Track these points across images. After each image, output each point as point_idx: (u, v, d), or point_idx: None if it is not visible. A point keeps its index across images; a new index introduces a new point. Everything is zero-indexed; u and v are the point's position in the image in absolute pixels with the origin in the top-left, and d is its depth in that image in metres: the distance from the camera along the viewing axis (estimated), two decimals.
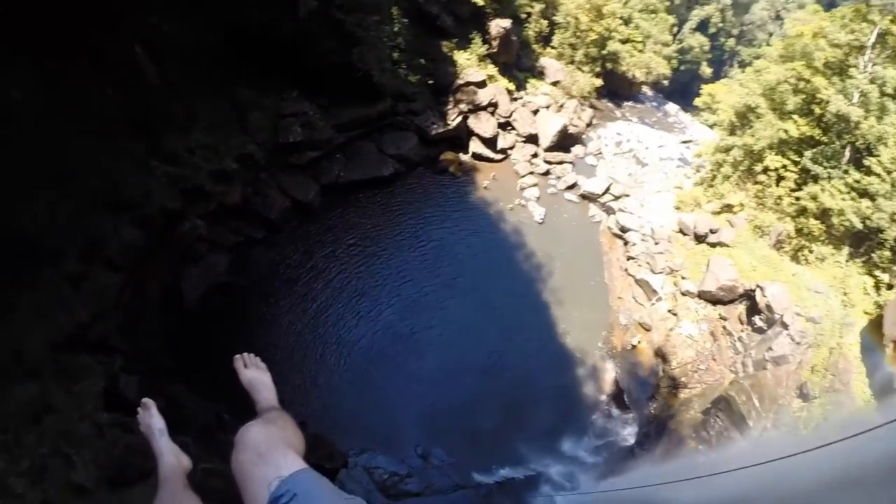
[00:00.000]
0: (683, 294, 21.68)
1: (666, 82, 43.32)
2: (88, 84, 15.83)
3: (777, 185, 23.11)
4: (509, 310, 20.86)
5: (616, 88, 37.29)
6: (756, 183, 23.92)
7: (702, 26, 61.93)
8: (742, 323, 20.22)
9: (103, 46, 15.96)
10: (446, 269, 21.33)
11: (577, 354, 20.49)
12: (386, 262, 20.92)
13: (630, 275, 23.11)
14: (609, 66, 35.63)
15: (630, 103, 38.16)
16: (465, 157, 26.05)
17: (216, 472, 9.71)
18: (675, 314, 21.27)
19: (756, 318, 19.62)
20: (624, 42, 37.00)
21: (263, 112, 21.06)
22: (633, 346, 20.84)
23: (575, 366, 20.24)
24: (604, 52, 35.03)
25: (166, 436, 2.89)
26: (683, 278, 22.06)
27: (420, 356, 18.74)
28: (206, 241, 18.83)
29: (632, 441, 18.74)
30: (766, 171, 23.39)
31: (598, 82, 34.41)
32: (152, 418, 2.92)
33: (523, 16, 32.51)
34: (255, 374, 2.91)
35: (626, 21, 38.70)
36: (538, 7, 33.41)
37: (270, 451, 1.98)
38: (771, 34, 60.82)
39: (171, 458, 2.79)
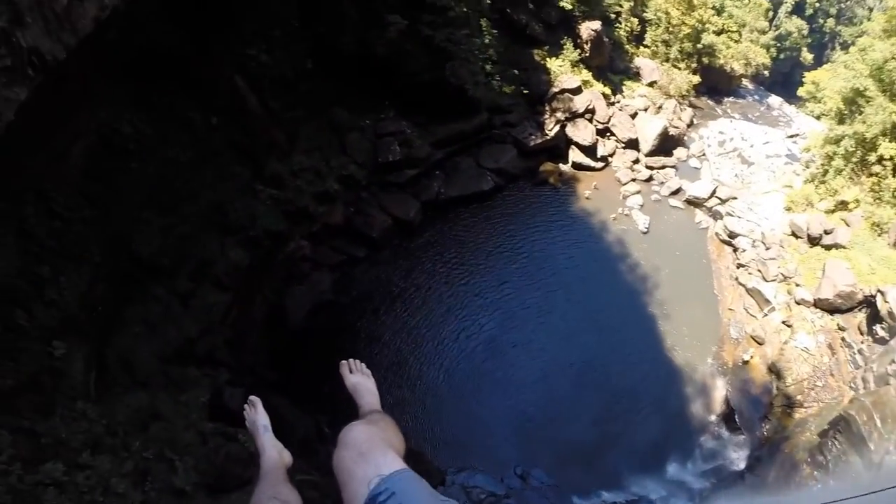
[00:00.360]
0: (798, 303, 20.08)
1: (766, 73, 41.14)
2: (194, 115, 16.82)
3: (894, 176, 21.30)
4: (614, 323, 20.21)
5: (715, 84, 35.69)
6: (871, 175, 22.06)
7: (798, 8, 58.15)
8: (862, 333, 18.46)
9: (206, 79, 16.86)
10: (548, 282, 20.92)
11: (685, 371, 19.50)
12: (487, 277, 20.76)
13: (741, 284, 21.77)
14: (706, 60, 34.15)
15: (731, 99, 36.39)
16: (564, 168, 25.58)
17: (312, 483, 9.89)
18: (789, 326, 19.69)
19: (877, 328, 17.83)
20: (718, 33, 35.42)
21: (362, 133, 21.53)
22: (745, 362, 19.48)
23: (683, 383, 19.27)
24: (699, 45, 33.65)
25: (270, 432, 3.05)
26: (797, 286, 20.48)
27: (520, 371, 18.42)
28: (309, 261, 19.47)
29: (742, 466, 17.50)
30: (880, 160, 21.50)
31: (696, 79, 32.91)
32: (257, 415, 3.11)
33: (612, 16, 31.59)
34: (359, 379, 3.05)
35: (719, 10, 37.16)
36: (627, 5, 32.46)
37: (372, 450, 2.03)
38: (871, 9, 56.15)
39: (273, 452, 2.94)
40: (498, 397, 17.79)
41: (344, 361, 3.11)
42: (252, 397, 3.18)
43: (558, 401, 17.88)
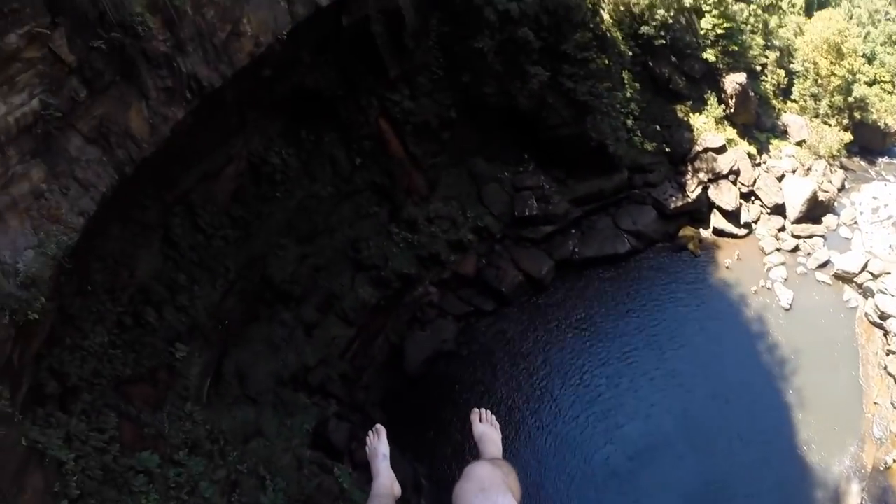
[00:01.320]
0: None
1: None
2: (338, 153, 17.66)
3: None
4: (744, 406, 18.76)
5: (867, 143, 32.77)
6: None
7: None
8: None
9: (352, 120, 17.70)
10: (677, 355, 19.83)
11: (817, 469, 17.64)
12: (613, 343, 20.07)
13: (889, 374, 19.61)
14: (857, 115, 31.48)
15: (885, 159, 33.05)
16: (705, 233, 24.38)
17: None
18: None
19: None
20: (871, 84, 32.77)
21: (500, 184, 21.71)
22: (888, 467, 17.40)
23: (813, 483, 17.44)
24: (850, 99, 31.09)
25: (387, 461, 3.21)
26: None
27: (634, 450, 17.49)
28: (436, 308, 19.83)
29: None
30: None
31: (848, 137, 30.38)
32: (380, 444, 3.29)
33: (758, 68, 29.93)
34: (486, 429, 3.16)
35: (870, 59, 34.44)
36: (773, 56, 30.66)
37: (493, 488, 2.13)
38: None
39: (387, 480, 3.09)
40: (606, 471, 17.07)
41: (476, 409, 3.20)
42: (378, 426, 3.35)
43: (671, 484, 16.85)
